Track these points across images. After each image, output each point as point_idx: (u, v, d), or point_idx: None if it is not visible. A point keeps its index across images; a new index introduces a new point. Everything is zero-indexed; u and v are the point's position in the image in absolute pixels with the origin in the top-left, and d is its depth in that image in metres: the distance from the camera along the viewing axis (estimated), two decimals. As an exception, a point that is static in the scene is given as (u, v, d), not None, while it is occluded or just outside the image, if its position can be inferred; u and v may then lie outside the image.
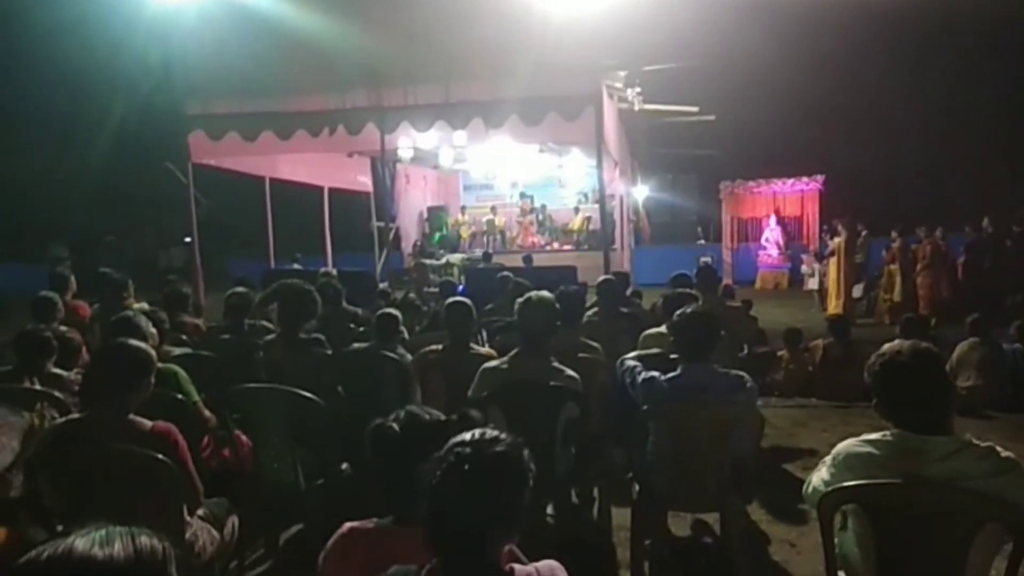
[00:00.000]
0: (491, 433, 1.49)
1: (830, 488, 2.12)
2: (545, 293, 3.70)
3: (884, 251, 12.02)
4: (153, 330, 3.73)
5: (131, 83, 11.75)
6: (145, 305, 5.71)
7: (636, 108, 10.51)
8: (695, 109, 12.65)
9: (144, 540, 0.97)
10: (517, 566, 1.49)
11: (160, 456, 2.45)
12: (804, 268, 15.49)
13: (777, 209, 16.93)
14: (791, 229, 17.05)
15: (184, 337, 4.95)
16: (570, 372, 3.36)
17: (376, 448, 1.87)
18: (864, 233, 13.93)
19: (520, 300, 3.54)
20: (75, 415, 2.73)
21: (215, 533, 2.80)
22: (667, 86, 11.70)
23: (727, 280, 13.99)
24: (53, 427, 2.68)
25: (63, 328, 4.87)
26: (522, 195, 17.54)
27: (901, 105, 20.18)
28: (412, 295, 7.98)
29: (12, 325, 5.29)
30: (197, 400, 3.52)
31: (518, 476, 1.46)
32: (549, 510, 3.57)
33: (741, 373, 3.15)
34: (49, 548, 0.92)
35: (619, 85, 9.40)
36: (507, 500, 1.44)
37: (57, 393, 3.42)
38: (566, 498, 3.78)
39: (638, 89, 10.09)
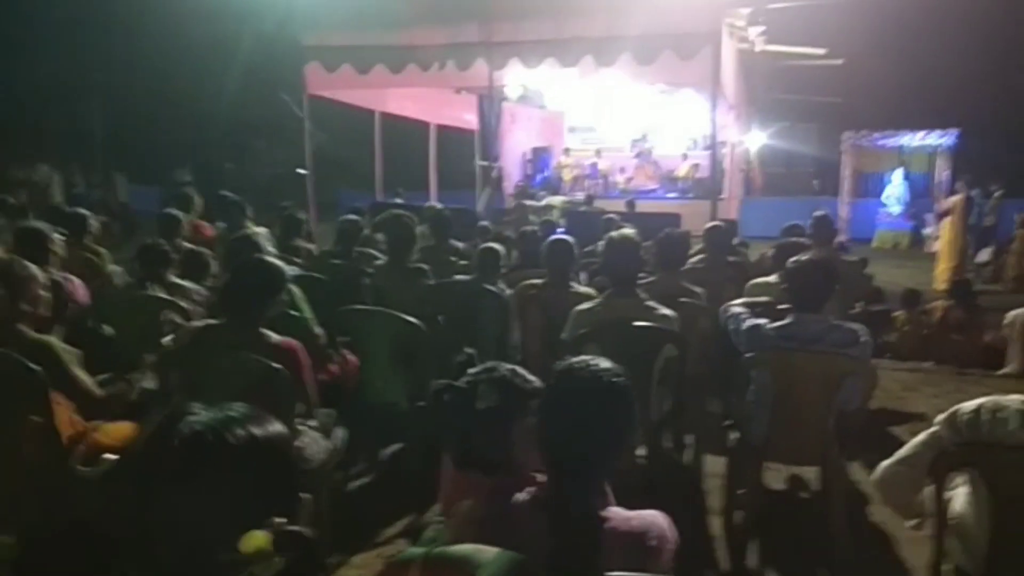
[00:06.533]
0: (603, 361, 1.52)
1: (948, 445, 2.01)
2: (628, 231, 3.65)
3: (1016, 214, 11.09)
4: (272, 249, 3.93)
5: (254, 14, 12.13)
6: (264, 229, 6.00)
7: (757, 49, 9.94)
8: (822, 52, 11.84)
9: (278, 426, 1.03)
10: (615, 508, 1.50)
11: (281, 368, 2.60)
12: (928, 229, 14.52)
13: (904, 163, 15.83)
14: (917, 186, 15.92)
15: (297, 260, 5.18)
16: (665, 311, 3.31)
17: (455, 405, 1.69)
18: (997, 194, 12.88)
19: (604, 240, 3.51)
20: (211, 321, 2.91)
21: (324, 443, 2.96)
22: (792, 26, 10.94)
23: (842, 236, 13.30)
24: (191, 329, 2.89)
25: (189, 245, 5.20)
26: (634, 141, 17.11)
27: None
28: (510, 234, 8.01)
29: (141, 241, 5.67)
30: (310, 317, 3.69)
31: (629, 401, 1.50)
32: (641, 452, 3.57)
33: (855, 327, 3.02)
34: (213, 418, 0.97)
35: (741, 23, 8.91)
36: (619, 424, 1.49)
37: (181, 301, 3.68)
38: (659, 441, 3.77)
39: (761, 28, 9.52)
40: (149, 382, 2.99)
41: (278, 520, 0.91)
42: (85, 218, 5.41)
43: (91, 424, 2.81)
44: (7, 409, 2.65)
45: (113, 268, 5.43)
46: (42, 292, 2.97)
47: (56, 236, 4.23)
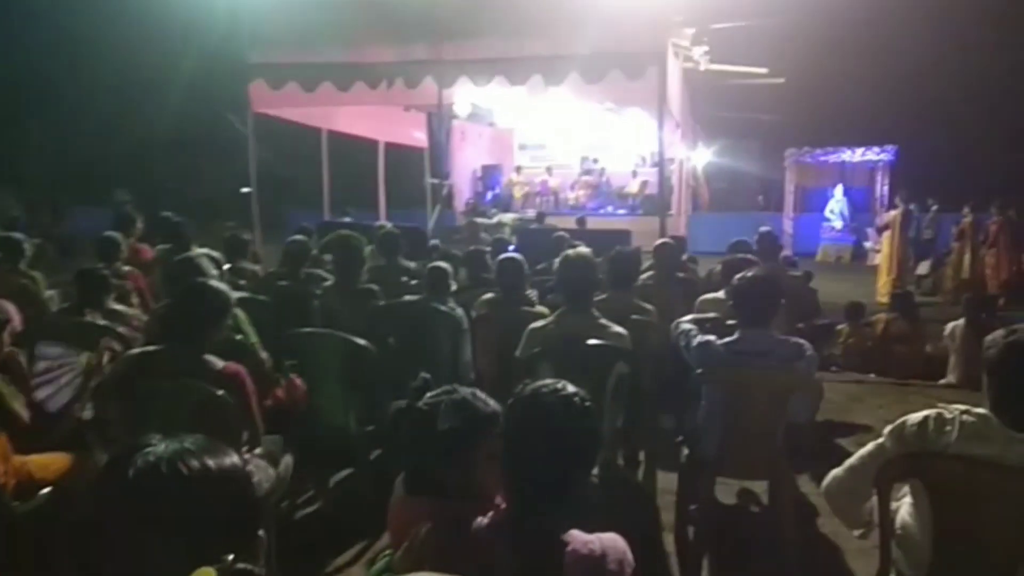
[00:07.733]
0: (569, 386, 1.53)
1: (893, 456, 2.05)
2: (583, 249, 3.66)
3: (953, 227, 11.55)
4: (215, 271, 3.82)
5: (197, 31, 11.95)
6: (206, 250, 5.85)
7: (702, 68, 10.17)
8: (764, 71, 12.18)
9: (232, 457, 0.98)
10: (575, 532, 1.49)
11: (225, 394, 2.53)
12: (869, 243, 14.99)
13: (844, 179, 16.35)
14: (858, 201, 16.45)
15: (242, 282, 5.05)
16: (617, 329, 3.32)
17: (415, 428, 1.68)
18: (934, 208, 13.41)
19: (559, 258, 3.52)
20: (151, 347, 2.80)
21: (271, 470, 2.87)
22: (735, 45, 11.24)
23: (787, 251, 13.64)
24: (129, 356, 2.78)
25: (128, 268, 5.04)
26: (583, 159, 17.33)
27: (983, 75, 19.10)
28: (459, 252, 7.98)
29: (80, 265, 5.49)
30: (255, 341, 3.60)
31: (595, 427, 1.53)
32: (594, 470, 3.56)
33: (801, 341, 3.07)
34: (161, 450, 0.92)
35: (685, 43, 9.10)
36: (585, 449, 1.51)
37: (120, 328, 3.55)
38: (612, 459, 3.77)
39: (705, 48, 9.74)
40: (87, 412, 2.86)
41: (229, 557, 0.86)
42: (19, 242, 5.20)
43: (25, 457, 2.68)
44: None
45: (49, 293, 5.22)
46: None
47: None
